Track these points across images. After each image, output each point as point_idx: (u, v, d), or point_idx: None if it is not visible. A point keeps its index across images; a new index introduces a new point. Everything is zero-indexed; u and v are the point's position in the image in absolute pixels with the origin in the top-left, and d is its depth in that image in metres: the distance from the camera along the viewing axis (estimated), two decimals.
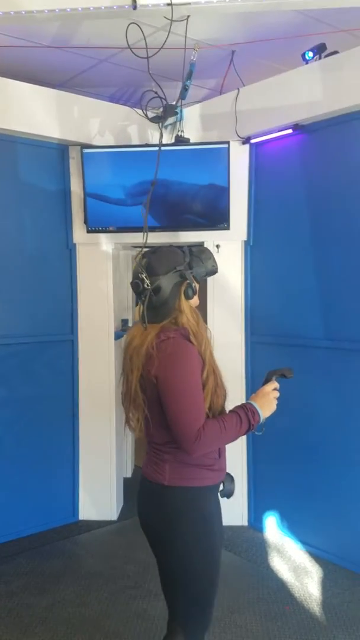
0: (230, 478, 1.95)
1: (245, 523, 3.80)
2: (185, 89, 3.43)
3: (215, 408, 1.79)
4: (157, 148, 3.45)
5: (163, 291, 1.77)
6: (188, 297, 1.82)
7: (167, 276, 1.77)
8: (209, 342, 1.82)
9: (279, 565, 3.31)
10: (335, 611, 2.85)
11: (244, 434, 1.79)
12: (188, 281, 1.80)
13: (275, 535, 3.65)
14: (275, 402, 1.84)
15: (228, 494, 1.94)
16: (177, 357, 1.71)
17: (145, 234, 3.18)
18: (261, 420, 1.79)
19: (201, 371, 1.75)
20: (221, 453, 1.86)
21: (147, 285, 1.76)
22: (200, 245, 2.67)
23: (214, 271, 1.92)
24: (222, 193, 3.52)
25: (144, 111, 3.67)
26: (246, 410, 1.78)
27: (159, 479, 1.80)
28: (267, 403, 1.82)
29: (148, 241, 3.43)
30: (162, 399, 1.73)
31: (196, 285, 1.84)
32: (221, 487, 1.93)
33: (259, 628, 2.71)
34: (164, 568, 1.85)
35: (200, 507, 1.80)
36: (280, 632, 2.68)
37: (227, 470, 1.93)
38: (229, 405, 1.87)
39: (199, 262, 1.86)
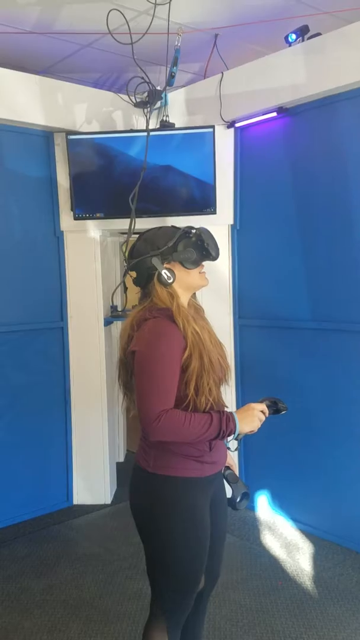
0: (241, 488, 1.90)
1: None
2: (171, 76, 3.42)
3: (202, 392, 1.70)
4: (142, 134, 3.46)
5: (138, 274, 1.83)
6: (162, 284, 1.78)
7: (140, 261, 1.81)
8: (190, 321, 1.75)
9: (270, 542, 3.38)
10: (326, 585, 2.93)
11: (212, 439, 1.68)
12: (157, 270, 1.77)
13: (266, 513, 3.72)
14: (258, 422, 1.74)
15: (233, 504, 1.90)
16: (153, 336, 1.68)
17: (133, 219, 3.19)
18: (237, 433, 1.68)
19: (182, 352, 1.69)
20: (213, 445, 1.78)
21: (125, 267, 1.88)
22: None
23: (209, 257, 1.86)
24: (208, 177, 3.52)
25: (130, 97, 3.66)
26: (221, 415, 1.67)
27: (145, 465, 1.79)
28: (249, 418, 1.71)
29: (136, 227, 3.45)
30: (134, 376, 1.70)
31: (168, 272, 1.78)
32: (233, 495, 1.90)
33: (253, 603, 2.78)
34: (148, 552, 1.84)
35: (184, 498, 1.74)
36: (273, 607, 2.75)
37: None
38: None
39: (187, 247, 1.82)
